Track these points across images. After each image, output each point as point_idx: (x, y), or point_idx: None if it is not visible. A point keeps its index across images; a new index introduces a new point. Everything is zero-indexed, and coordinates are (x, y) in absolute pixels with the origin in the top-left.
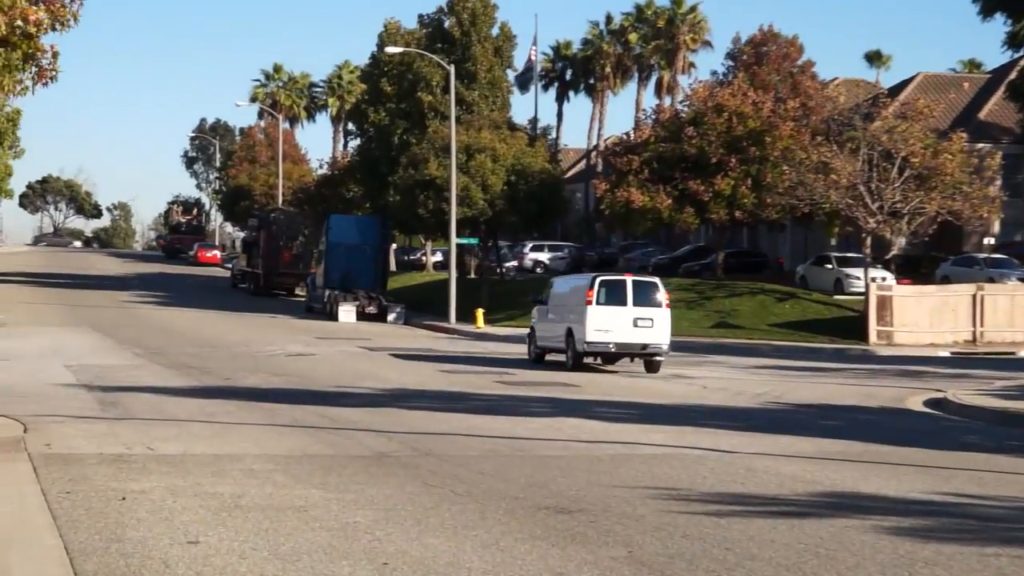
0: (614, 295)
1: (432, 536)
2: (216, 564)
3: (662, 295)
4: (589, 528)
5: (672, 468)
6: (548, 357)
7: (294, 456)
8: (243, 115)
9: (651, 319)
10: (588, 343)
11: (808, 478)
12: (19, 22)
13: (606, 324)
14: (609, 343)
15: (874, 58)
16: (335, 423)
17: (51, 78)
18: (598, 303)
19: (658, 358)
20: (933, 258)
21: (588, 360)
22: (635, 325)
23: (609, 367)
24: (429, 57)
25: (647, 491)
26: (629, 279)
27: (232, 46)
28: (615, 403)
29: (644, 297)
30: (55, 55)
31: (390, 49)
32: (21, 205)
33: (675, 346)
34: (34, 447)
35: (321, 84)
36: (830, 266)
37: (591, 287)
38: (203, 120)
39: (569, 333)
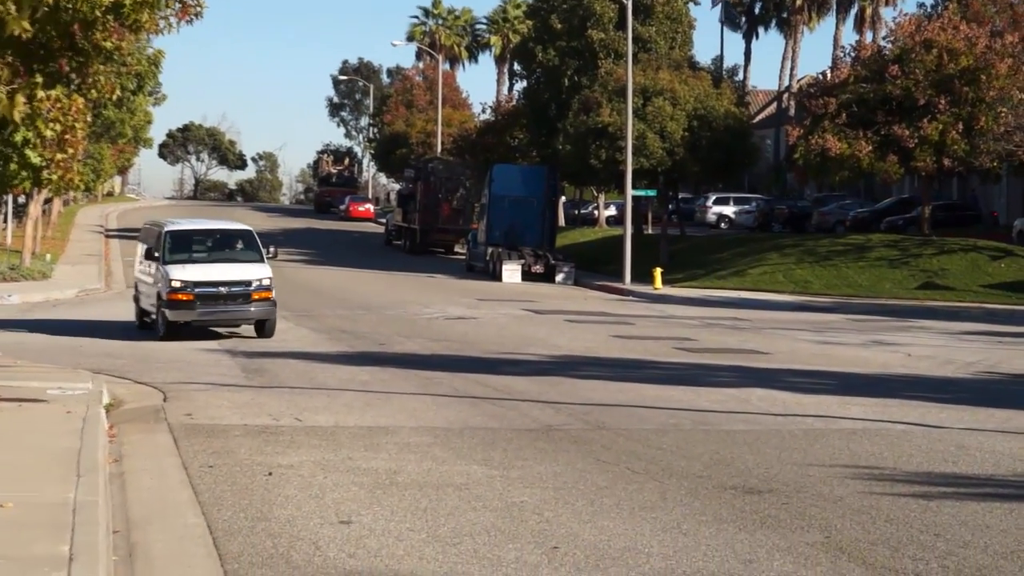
0: None
1: (606, 518)
2: (370, 546)
3: None
4: (781, 511)
5: (874, 445)
6: None
7: (454, 429)
8: (391, 55)
9: None
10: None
11: None
12: None
13: None
14: None
15: None
16: (499, 393)
17: (195, 14)
18: None
19: None
20: None
21: None
22: None
23: None
24: None
25: (846, 470)
26: None
27: None
28: (808, 372)
29: None
30: None
31: None
32: (160, 155)
33: (875, 309)
34: (174, 417)
35: (484, 20)
36: None
37: None
38: (345, 62)
39: None
